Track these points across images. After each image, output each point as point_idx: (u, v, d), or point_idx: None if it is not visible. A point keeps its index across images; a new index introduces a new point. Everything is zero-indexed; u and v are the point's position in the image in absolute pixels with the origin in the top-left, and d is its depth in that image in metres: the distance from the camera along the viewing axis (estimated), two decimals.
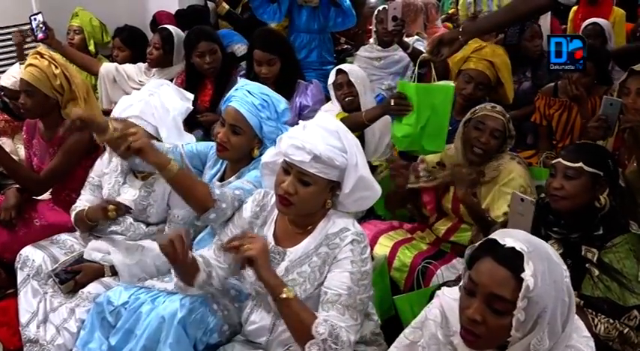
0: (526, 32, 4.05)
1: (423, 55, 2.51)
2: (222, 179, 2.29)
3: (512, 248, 1.34)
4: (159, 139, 2.38)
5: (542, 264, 1.34)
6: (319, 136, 1.72)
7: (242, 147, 2.17)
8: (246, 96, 2.14)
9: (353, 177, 1.73)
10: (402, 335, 1.64)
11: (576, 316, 1.49)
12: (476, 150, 2.50)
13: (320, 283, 1.77)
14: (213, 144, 2.35)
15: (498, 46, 3.47)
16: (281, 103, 2.21)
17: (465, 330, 1.41)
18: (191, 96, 2.62)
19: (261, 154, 2.19)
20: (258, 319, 1.90)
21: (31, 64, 2.63)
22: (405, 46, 3.76)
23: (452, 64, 3.31)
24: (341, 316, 1.68)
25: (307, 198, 1.74)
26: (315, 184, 1.73)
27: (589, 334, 1.49)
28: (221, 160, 2.31)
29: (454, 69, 3.27)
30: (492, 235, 1.42)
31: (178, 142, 2.37)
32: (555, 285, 1.35)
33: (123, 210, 2.43)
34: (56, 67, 2.66)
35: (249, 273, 1.86)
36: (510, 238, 1.37)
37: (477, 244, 1.43)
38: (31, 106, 2.66)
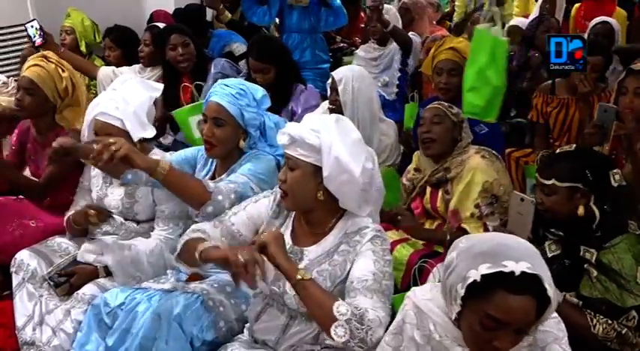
0: (542, 25, 4.08)
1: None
2: (213, 178, 2.29)
3: (523, 273, 1.29)
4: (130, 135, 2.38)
5: (543, 268, 1.33)
6: (302, 122, 1.82)
7: (228, 139, 2.19)
8: (223, 88, 2.19)
9: (327, 157, 1.74)
10: (382, 343, 1.62)
11: None
12: (425, 143, 2.53)
13: (341, 280, 1.77)
14: (201, 148, 2.36)
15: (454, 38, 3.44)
16: (258, 90, 2.25)
17: None
18: (160, 86, 2.61)
19: (250, 148, 2.24)
20: (270, 318, 1.90)
21: (36, 64, 2.63)
22: (385, 24, 3.85)
23: (424, 70, 3.32)
24: (369, 299, 1.66)
25: (293, 184, 1.78)
26: (298, 168, 1.78)
27: (557, 315, 1.49)
28: (210, 161, 2.33)
29: (428, 73, 3.29)
30: (484, 263, 1.33)
31: (139, 132, 2.37)
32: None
33: (105, 215, 2.46)
34: (63, 71, 2.67)
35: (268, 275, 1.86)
36: (507, 260, 1.31)
37: (475, 278, 1.33)
38: (28, 104, 2.66)
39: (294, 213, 1.93)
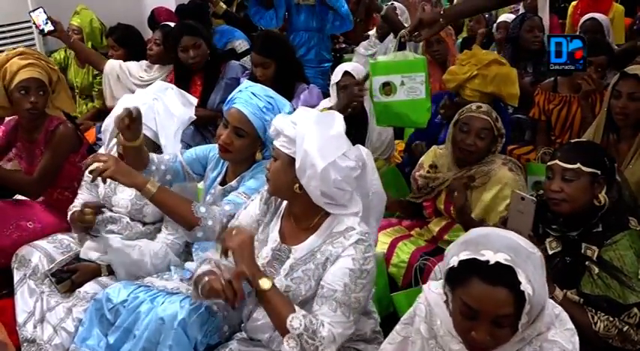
0: (525, 24, 4.07)
1: (402, 32, 2.46)
2: (223, 182, 2.27)
3: (498, 263, 1.32)
4: (159, 146, 2.41)
5: (527, 264, 1.34)
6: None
7: (245, 149, 2.16)
8: (250, 98, 2.13)
9: (299, 149, 1.72)
10: (393, 331, 1.65)
11: (561, 309, 1.50)
12: (464, 152, 2.51)
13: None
14: (212, 147, 2.34)
15: (491, 64, 3.07)
16: (285, 106, 2.20)
17: (474, 348, 1.41)
18: (194, 100, 2.61)
19: (263, 158, 2.21)
20: (261, 316, 1.88)
21: (30, 64, 2.61)
22: (377, 9, 3.97)
23: (446, 83, 3.20)
24: (332, 312, 1.67)
25: (274, 173, 1.79)
26: (279, 158, 1.79)
27: (572, 327, 1.47)
28: (222, 163, 2.30)
29: (449, 87, 3.16)
30: (465, 251, 1.37)
31: (172, 150, 2.38)
32: (539, 274, 1.37)
33: (99, 208, 2.44)
34: (49, 63, 2.67)
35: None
36: (486, 249, 1.34)
37: (453, 263, 1.38)
38: (42, 104, 2.63)
39: (282, 210, 1.91)
